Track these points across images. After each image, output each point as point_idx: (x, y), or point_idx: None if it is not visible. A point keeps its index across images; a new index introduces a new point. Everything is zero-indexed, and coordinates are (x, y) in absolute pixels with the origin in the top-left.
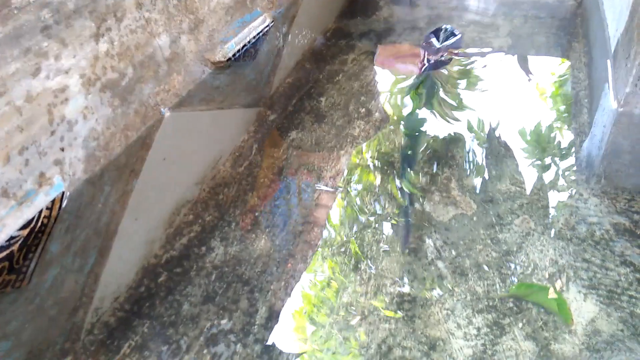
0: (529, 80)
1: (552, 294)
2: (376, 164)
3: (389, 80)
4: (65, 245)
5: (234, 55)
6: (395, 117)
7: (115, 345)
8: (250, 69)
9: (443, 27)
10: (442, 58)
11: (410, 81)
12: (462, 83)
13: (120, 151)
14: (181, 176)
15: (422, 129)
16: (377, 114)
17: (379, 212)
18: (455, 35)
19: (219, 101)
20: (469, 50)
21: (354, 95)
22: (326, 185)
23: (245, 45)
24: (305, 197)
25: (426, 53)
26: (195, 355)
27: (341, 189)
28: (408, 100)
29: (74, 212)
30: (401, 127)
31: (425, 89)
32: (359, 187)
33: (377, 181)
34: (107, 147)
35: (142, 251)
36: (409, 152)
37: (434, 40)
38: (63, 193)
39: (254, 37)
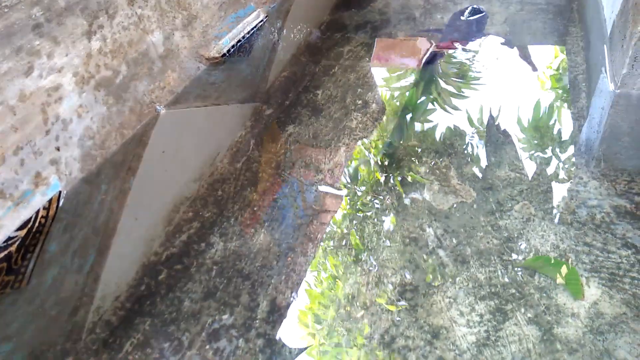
0: (534, 71)
1: (565, 270)
2: (375, 156)
3: (387, 80)
4: (64, 244)
5: (228, 51)
6: (393, 110)
7: (117, 343)
8: (245, 64)
9: (469, 6)
10: (441, 49)
11: (409, 79)
12: (461, 73)
13: (116, 149)
14: (179, 173)
15: (421, 118)
16: (374, 106)
17: (377, 205)
18: (481, 12)
19: (214, 97)
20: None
21: (350, 87)
22: (325, 179)
23: (239, 41)
24: (304, 191)
25: (431, 45)
26: (197, 351)
27: (341, 182)
28: (407, 94)
29: (72, 211)
30: (400, 118)
31: (424, 81)
32: (359, 179)
33: (378, 174)
34: (103, 146)
35: (141, 249)
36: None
37: (461, 17)
38: (60, 192)
39: (248, 32)
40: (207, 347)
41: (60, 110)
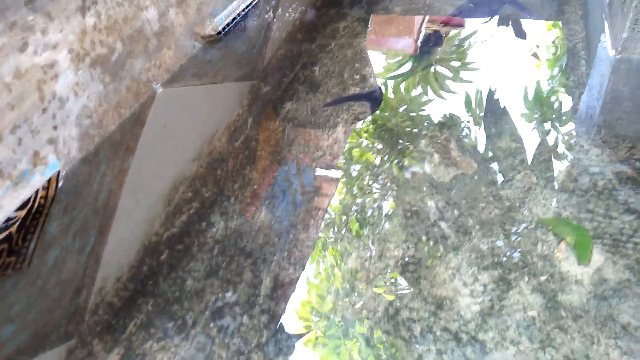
0: (531, 53)
1: (576, 233)
2: (372, 138)
3: (383, 66)
4: (64, 225)
5: (224, 28)
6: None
7: (120, 324)
8: (241, 42)
9: None
10: (440, 32)
11: (406, 65)
12: (458, 53)
13: (114, 129)
14: (177, 153)
15: (420, 98)
16: (372, 80)
17: (376, 187)
18: None
19: (211, 76)
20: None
21: (347, 62)
22: (324, 155)
23: (235, 19)
24: (303, 168)
25: (424, 21)
26: (201, 329)
27: (340, 160)
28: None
29: (71, 191)
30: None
31: (420, 67)
32: (358, 158)
33: (376, 154)
34: (101, 125)
35: (142, 229)
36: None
37: None
38: (59, 172)
39: (243, 9)
40: (212, 325)
41: (56, 88)
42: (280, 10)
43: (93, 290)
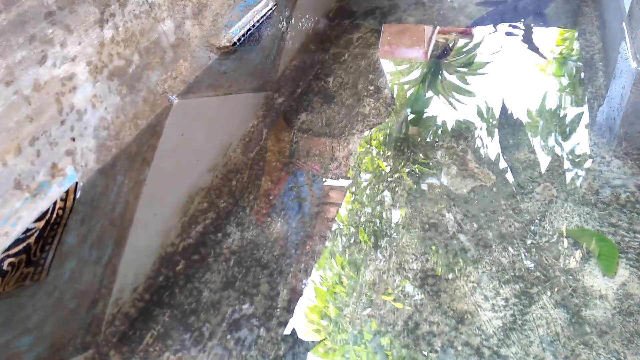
0: (544, 58)
1: (602, 244)
2: (382, 146)
3: (394, 74)
4: (81, 236)
5: (238, 39)
6: (398, 109)
7: (137, 335)
8: (256, 53)
9: None
10: (450, 44)
11: (415, 73)
12: (467, 63)
13: (131, 140)
14: (193, 164)
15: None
16: (386, 91)
17: (387, 196)
18: None
19: (226, 87)
20: (477, 29)
21: (361, 73)
22: (339, 166)
23: (249, 30)
24: (318, 179)
25: (435, 31)
26: (218, 342)
27: (353, 168)
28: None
29: (89, 202)
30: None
31: (431, 74)
32: (368, 166)
33: (382, 163)
34: (118, 137)
35: (158, 240)
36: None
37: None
38: (76, 184)
39: (258, 21)
40: (229, 337)
41: (74, 100)
42: (293, 21)
43: (110, 301)
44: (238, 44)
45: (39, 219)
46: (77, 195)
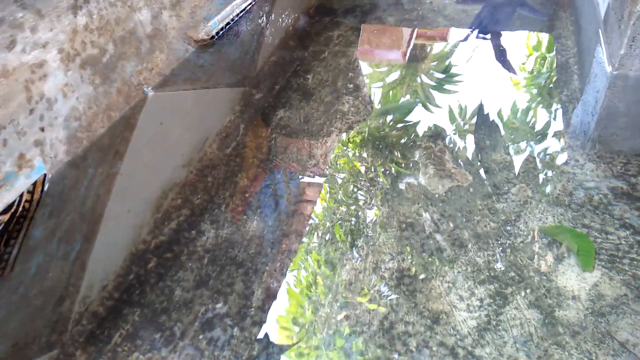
0: (514, 74)
1: (579, 240)
2: (359, 147)
3: (372, 76)
4: (49, 231)
5: (217, 33)
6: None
7: (105, 335)
8: (234, 47)
9: None
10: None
11: (394, 75)
12: (443, 67)
13: (103, 132)
14: (167, 158)
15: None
16: (365, 89)
17: (361, 195)
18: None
19: (203, 81)
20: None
21: (341, 71)
22: (317, 163)
23: (228, 24)
24: (295, 177)
25: (413, 34)
26: (190, 341)
27: (330, 167)
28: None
29: (57, 195)
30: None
31: (408, 76)
32: (344, 166)
33: (358, 164)
34: (90, 128)
35: (129, 237)
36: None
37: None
38: (45, 176)
39: (237, 15)
40: (201, 336)
41: (44, 89)
42: (273, 17)
43: (77, 299)
44: (217, 37)
45: (3, 212)
46: (45, 188)
